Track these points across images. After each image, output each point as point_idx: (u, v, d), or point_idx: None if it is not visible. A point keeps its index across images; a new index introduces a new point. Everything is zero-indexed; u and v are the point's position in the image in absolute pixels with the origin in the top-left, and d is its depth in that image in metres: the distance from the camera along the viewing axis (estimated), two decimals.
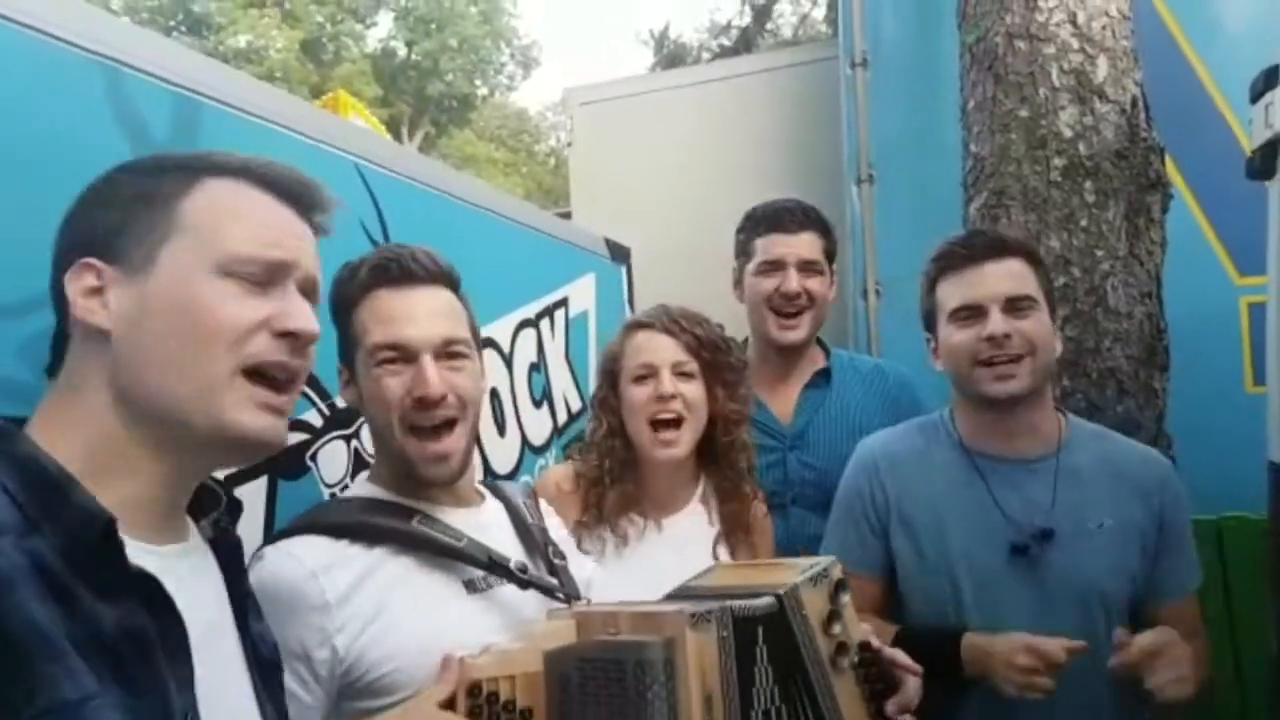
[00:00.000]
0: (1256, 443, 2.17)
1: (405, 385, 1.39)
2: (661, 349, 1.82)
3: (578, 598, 1.52)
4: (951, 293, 1.79)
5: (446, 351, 1.42)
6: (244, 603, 1.07)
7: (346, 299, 1.45)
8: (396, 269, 1.43)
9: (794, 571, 1.39)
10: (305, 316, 0.98)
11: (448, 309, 1.46)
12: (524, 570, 1.45)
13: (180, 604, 0.90)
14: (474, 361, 1.48)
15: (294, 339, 0.97)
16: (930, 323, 1.88)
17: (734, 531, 1.89)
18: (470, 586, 1.42)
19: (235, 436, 0.94)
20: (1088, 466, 1.79)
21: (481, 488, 1.62)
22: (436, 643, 1.27)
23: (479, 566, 1.42)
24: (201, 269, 0.93)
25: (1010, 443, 1.81)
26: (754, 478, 1.94)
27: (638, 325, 1.88)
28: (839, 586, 1.39)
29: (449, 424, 1.42)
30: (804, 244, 2.27)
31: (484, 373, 1.55)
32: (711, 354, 1.83)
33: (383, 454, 1.48)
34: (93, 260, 0.92)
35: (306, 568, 1.29)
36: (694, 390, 1.81)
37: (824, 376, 2.34)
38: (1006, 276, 1.76)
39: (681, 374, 1.81)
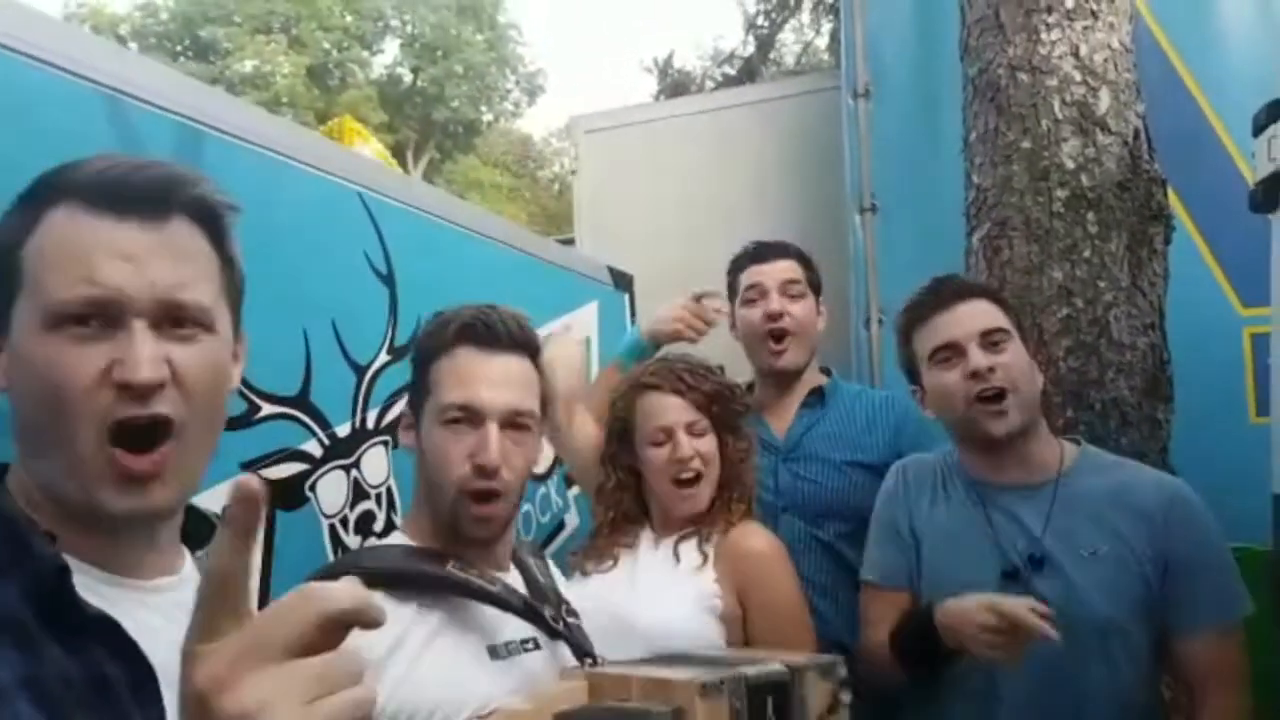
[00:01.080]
0: (1261, 474, 2.15)
1: (469, 449, 1.41)
2: (673, 410, 1.88)
3: (592, 656, 1.52)
4: (927, 338, 1.82)
5: (513, 422, 1.45)
6: None
7: (430, 349, 1.48)
8: (484, 330, 1.46)
9: (800, 657, 1.41)
10: (141, 363, 0.85)
11: (523, 378, 1.48)
12: (557, 619, 1.48)
13: (164, 644, 0.88)
14: (535, 432, 1.51)
15: (132, 391, 0.85)
16: (913, 374, 1.90)
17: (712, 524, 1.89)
18: (493, 653, 1.42)
19: (104, 515, 0.86)
20: (1090, 493, 1.77)
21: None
22: (458, 706, 1.30)
23: (513, 611, 1.43)
24: (34, 325, 0.85)
25: (1008, 473, 1.82)
26: (751, 500, 1.97)
27: (645, 386, 1.92)
28: (843, 684, 1.40)
29: (498, 493, 1.43)
30: (782, 268, 2.37)
31: (542, 444, 1.61)
32: (720, 406, 1.91)
33: (426, 505, 1.49)
34: None
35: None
36: (708, 445, 1.88)
37: (818, 395, 2.39)
38: (977, 314, 1.80)
39: (694, 433, 1.87)
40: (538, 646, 1.47)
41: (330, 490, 1.77)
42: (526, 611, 1.45)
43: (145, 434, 0.86)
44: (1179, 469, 2.34)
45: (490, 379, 1.44)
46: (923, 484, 1.93)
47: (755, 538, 1.88)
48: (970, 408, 1.76)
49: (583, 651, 1.52)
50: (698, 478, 1.87)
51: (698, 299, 2.29)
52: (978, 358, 1.74)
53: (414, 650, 1.33)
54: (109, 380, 0.85)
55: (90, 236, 0.87)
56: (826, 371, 2.50)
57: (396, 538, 1.51)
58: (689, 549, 1.86)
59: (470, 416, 1.42)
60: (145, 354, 0.85)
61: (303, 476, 1.72)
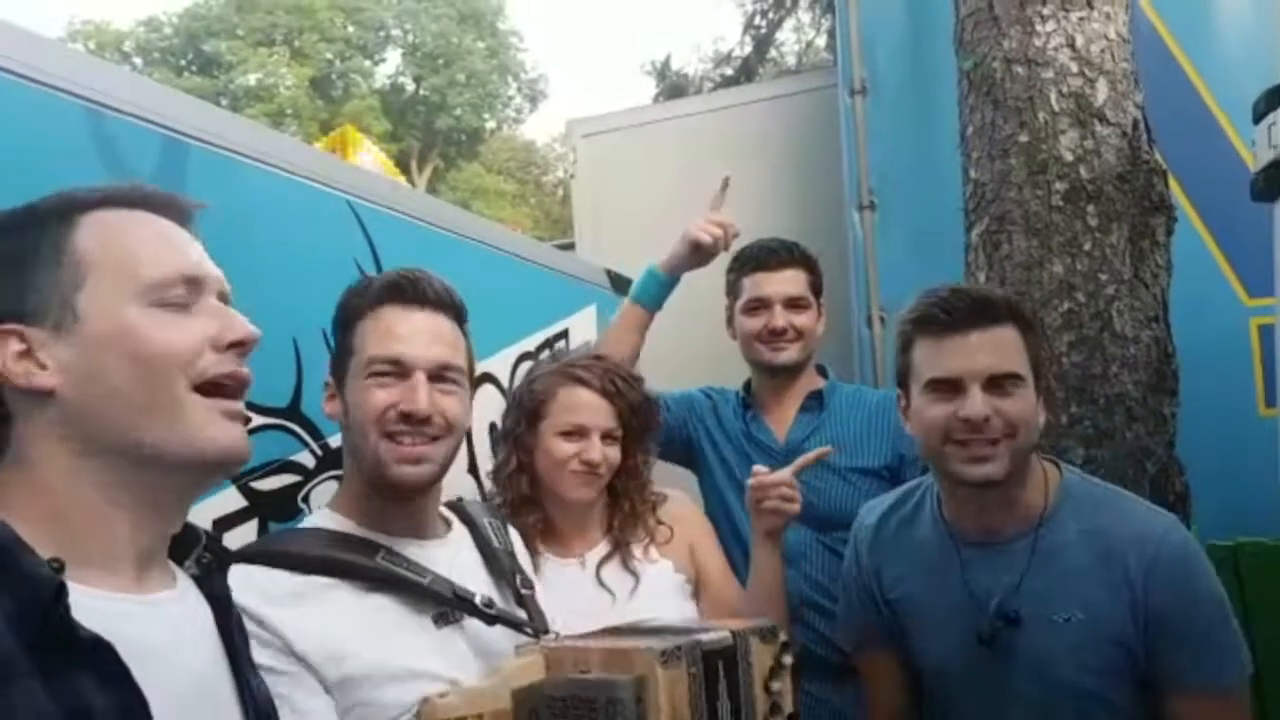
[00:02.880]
0: (1270, 467, 2.13)
1: (393, 397, 1.38)
2: (595, 412, 1.85)
3: (546, 631, 1.50)
4: (929, 361, 1.62)
5: (441, 375, 1.42)
6: (239, 656, 1.02)
7: (354, 310, 1.45)
8: (410, 289, 1.44)
9: (741, 623, 1.41)
10: (243, 323, 0.98)
11: (450, 336, 1.46)
12: (490, 605, 1.44)
13: (167, 658, 0.88)
14: (464, 390, 1.47)
15: (240, 347, 0.97)
16: (903, 381, 1.71)
17: (628, 543, 1.91)
18: (440, 619, 1.40)
19: (213, 454, 0.93)
20: (1072, 545, 1.62)
21: (447, 512, 1.59)
22: (406, 676, 1.29)
23: (444, 604, 1.40)
24: (127, 303, 0.91)
25: (986, 521, 1.66)
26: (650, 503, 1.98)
27: (575, 379, 1.87)
28: (784, 647, 1.41)
29: (431, 439, 1.41)
30: (788, 280, 2.36)
31: (471, 410, 1.53)
32: (639, 419, 1.89)
33: (352, 471, 1.47)
34: (10, 325, 0.89)
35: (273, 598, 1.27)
36: (615, 453, 1.87)
37: (817, 399, 2.39)
38: (992, 350, 1.57)
39: (608, 438, 1.85)
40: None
41: (323, 501, 1.75)
42: (458, 603, 1.41)
43: (235, 391, 0.98)
44: (1186, 463, 2.32)
45: (416, 334, 1.41)
46: (883, 537, 1.83)
47: (683, 504, 2.03)
48: (947, 446, 1.59)
49: (537, 630, 1.49)
50: (594, 477, 1.86)
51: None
52: (977, 404, 1.55)
53: (359, 624, 1.31)
54: (208, 346, 0.94)
55: (156, 226, 0.97)
56: (823, 371, 2.48)
57: (322, 517, 1.46)
58: (615, 574, 1.86)
59: (397, 370, 1.39)
60: (238, 316, 0.98)
61: (295, 488, 1.70)
